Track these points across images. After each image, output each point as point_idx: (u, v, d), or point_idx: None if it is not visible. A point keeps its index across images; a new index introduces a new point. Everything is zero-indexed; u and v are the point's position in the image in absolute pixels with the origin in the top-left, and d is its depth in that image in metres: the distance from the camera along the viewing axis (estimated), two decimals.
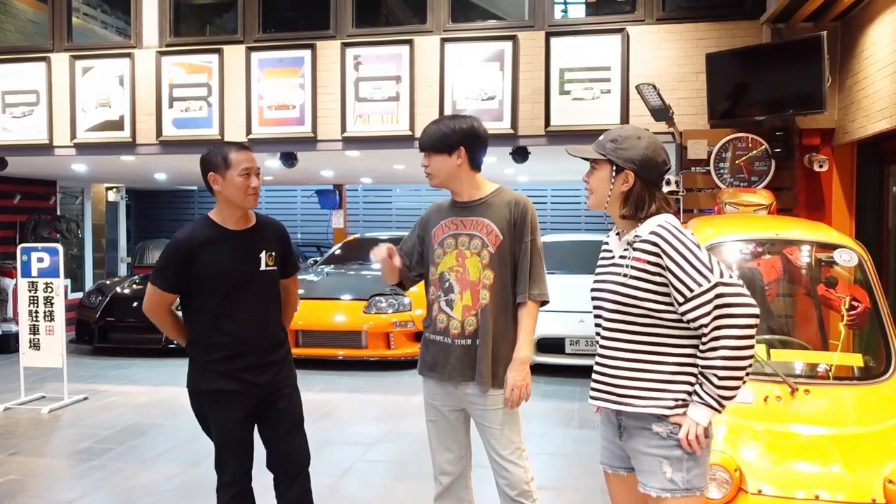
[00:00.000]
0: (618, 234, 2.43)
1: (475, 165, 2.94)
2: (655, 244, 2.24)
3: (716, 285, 2.16)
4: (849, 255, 3.78)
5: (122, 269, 13.82)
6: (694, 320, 2.19)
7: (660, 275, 2.24)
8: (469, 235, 2.91)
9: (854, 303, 3.94)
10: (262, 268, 3.04)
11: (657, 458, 2.28)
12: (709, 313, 2.16)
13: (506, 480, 2.89)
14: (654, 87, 5.78)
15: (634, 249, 2.29)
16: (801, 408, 3.29)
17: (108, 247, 13.35)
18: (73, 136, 7.64)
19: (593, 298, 2.44)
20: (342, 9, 7.12)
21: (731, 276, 2.21)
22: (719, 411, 2.24)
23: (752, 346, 2.19)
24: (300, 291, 8.11)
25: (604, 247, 2.50)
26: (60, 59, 7.68)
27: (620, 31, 6.49)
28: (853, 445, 3.11)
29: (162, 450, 5.20)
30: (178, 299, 3.05)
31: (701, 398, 2.23)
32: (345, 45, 7.04)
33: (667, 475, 2.26)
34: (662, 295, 2.25)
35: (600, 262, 2.47)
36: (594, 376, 2.41)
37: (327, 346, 8.01)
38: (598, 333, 2.43)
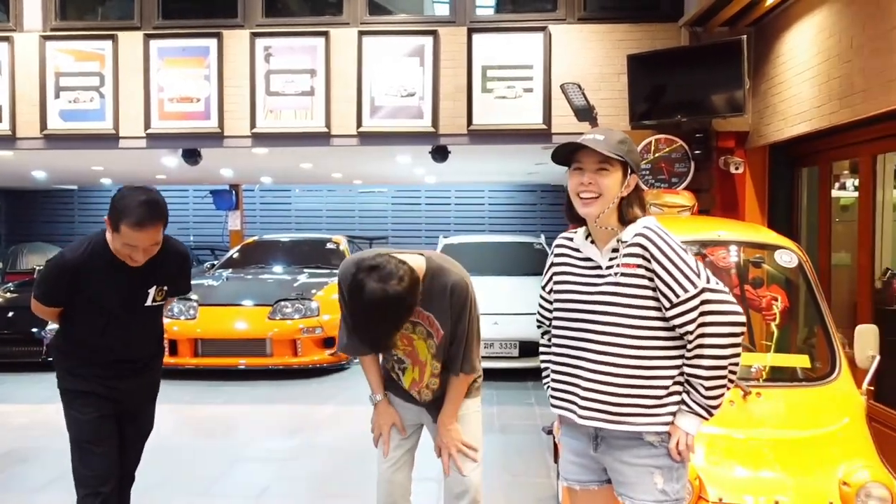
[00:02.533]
0: (591, 240, 2.27)
1: None
2: (643, 247, 2.15)
3: (702, 291, 2.11)
4: (789, 255, 3.79)
5: None
6: (680, 326, 2.12)
7: (650, 279, 2.14)
8: (411, 322, 2.62)
9: (773, 302, 4.00)
10: (148, 303, 2.96)
11: (647, 468, 2.19)
12: (694, 320, 2.10)
13: (460, 487, 2.77)
14: (579, 86, 5.72)
15: (624, 255, 2.17)
16: (755, 411, 3.25)
17: None
18: None
19: (573, 309, 2.27)
20: None
21: (717, 282, 2.16)
22: (707, 419, 2.18)
23: (738, 354, 2.15)
24: (195, 297, 7.72)
25: (566, 250, 2.36)
26: None
27: (542, 29, 6.43)
28: (807, 448, 3.11)
29: (50, 477, 4.67)
30: None
31: (689, 407, 2.17)
32: (254, 34, 6.64)
33: (658, 486, 2.19)
34: (654, 300, 2.15)
35: (572, 269, 2.31)
36: (579, 391, 2.23)
37: (229, 354, 7.56)
38: (572, 345, 2.27)
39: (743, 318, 2.13)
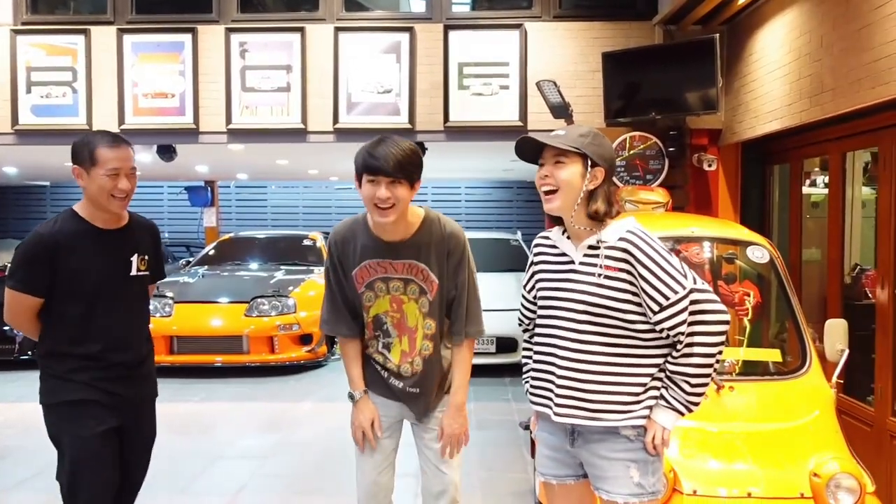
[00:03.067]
0: (566, 236, 2.29)
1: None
2: (627, 251, 2.15)
3: (690, 292, 2.12)
4: (761, 251, 3.85)
5: None
6: (671, 328, 2.13)
7: (632, 283, 2.15)
8: (403, 280, 2.60)
9: (745, 297, 4.06)
10: (133, 272, 2.78)
11: (623, 462, 2.21)
12: (684, 321, 2.12)
13: (439, 487, 2.74)
14: (555, 83, 5.76)
15: (606, 257, 2.17)
16: (728, 405, 3.30)
17: None
18: None
19: (547, 306, 2.29)
20: None
21: (702, 283, 2.17)
22: (685, 415, 2.21)
23: (722, 352, 2.18)
24: (170, 294, 7.66)
25: (543, 248, 2.38)
26: None
27: (518, 26, 6.45)
28: (779, 441, 3.15)
29: (24, 476, 4.62)
30: None
31: (668, 403, 2.19)
32: (229, 30, 6.58)
33: (634, 479, 2.20)
34: (635, 304, 2.16)
35: (548, 267, 2.33)
36: (553, 388, 2.26)
37: (205, 352, 7.53)
38: (546, 342, 2.30)
39: (728, 317, 2.15)
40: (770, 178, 6.22)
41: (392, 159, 2.38)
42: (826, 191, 5.18)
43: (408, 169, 2.42)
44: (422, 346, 2.65)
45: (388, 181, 2.39)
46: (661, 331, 2.14)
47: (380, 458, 2.73)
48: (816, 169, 5.72)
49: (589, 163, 2.17)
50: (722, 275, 4.29)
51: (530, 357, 2.40)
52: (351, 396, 2.75)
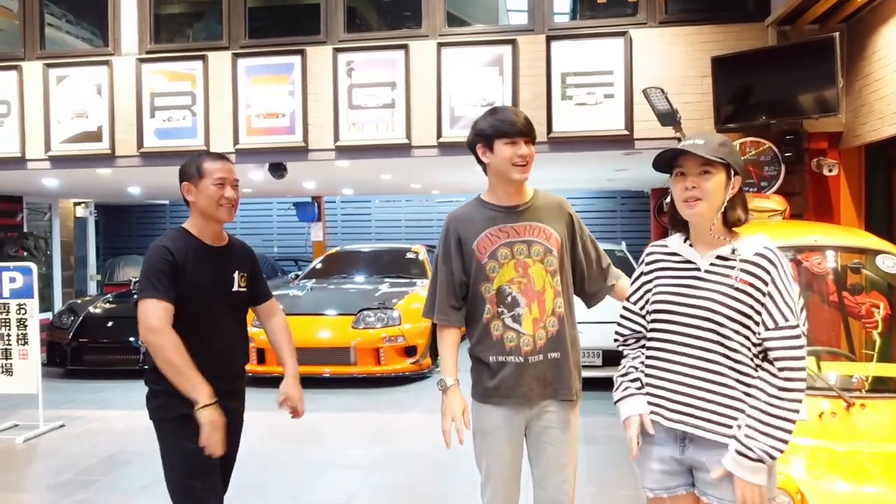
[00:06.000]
0: (688, 244, 2.25)
1: None
2: (766, 269, 2.14)
3: (799, 326, 2.11)
4: (892, 260, 3.61)
5: (92, 288, 13.37)
6: (772, 349, 2.10)
7: (759, 301, 2.13)
8: (526, 242, 2.66)
9: (874, 309, 3.82)
10: (235, 288, 2.90)
11: None
12: (795, 347, 2.08)
13: (557, 500, 2.70)
14: (662, 90, 5.62)
15: (741, 270, 2.15)
16: (859, 423, 3.11)
17: (77, 264, 12.95)
18: (47, 148, 7.27)
19: (666, 311, 2.24)
20: (333, 13, 6.88)
21: (805, 325, 2.19)
22: (770, 462, 2.11)
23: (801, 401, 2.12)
24: (281, 307, 7.85)
25: (661, 256, 2.33)
26: (33, 68, 7.32)
27: (623, 34, 6.35)
28: None
29: (149, 480, 4.85)
30: None
31: (748, 454, 2.08)
32: (336, 50, 6.78)
33: None
34: (754, 322, 2.14)
35: (669, 273, 2.28)
36: (668, 394, 2.22)
37: (313, 363, 7.67)
38: (662, 346, 2.26)
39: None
40: None
41: (521, 121, 2.61)
42: None
43: (532, 129, 2.65)
44: (554, 304, 2.66)
45: (525, 140, 2.60)
46: (762, 350, 2.13)
47: (510, 480, 2.70)
48: None
49: (732, 172, 2.18)
50: (847, 286, 4.06)
51: (635, 367, 2.35)
52: (442, 384, 2.69)
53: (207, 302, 2.77)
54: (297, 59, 6.83)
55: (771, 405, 2.07)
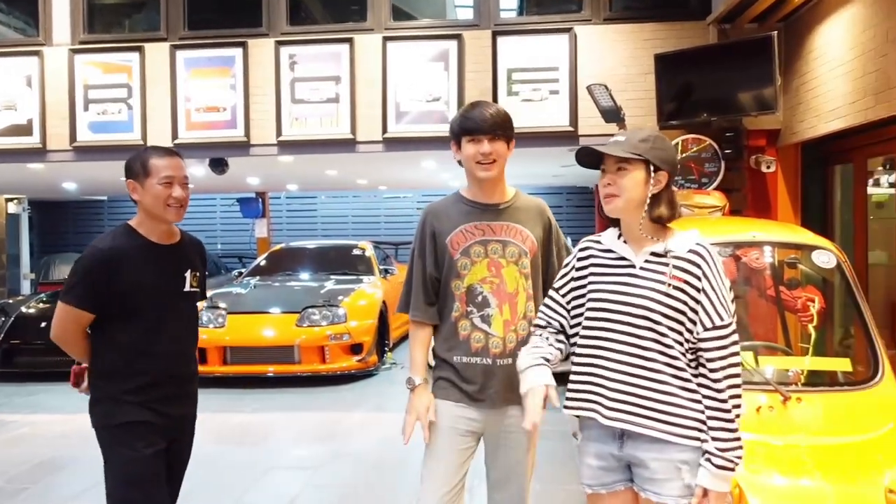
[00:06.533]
0: (622, 240, 2.22)
1: None
2: (699, 266, 2.12)
3: (732, 323, 2.10)
4: (827, 256, 3.68)
5: (26, 287, 12.95)
6: (706, 350, 2.09)
7: (694, 298, 2.11)
8: (501, 242, 2.61)
9: (809, 303, 3.90)
10: (186, 288, 2.76)
11: (674, 463, 2.13)
12: (725, 346, 2.08)
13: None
14: (606, 87, 5.65)
15: (674, 268, 2.13)
16: (796, 417, 3.15)
17: (10, 263, 12.55)
18: None
19: (601, 308, 2.21)
20: (275, 5, 6.74)
21: (734, 317, 2.17)
22: (734, 469, 2.09)
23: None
24: (223, 305, 7.74)
25: (595, 251, 2.29)
26: None
27: (567, 30, 6.37)
28: (851, 455, 3.00)
29: (82, 487, 4.68)
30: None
31: (717, 462, 2.07)
32: (279, 43, 6.66)
33: (684, 481, 2.13)
34: (689, 320, 2.12)
35: (603, 270, 2.24)
36: (604, 391, 2.19)
37: (257, 362, 7.57)
38: (597, 345, 2.22)
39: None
40: (832, 178, 6.00)
41: (489, 118, 2.54)
42: (891, 191, 4.97)
43: (503, 126, 2.56)
44: (526, 308, 2.62)
45: (489, 138, 2.53)
46: (695, 351, 2.12)
47: (453, 483, 2.63)
48: (880, 168, 5.50)
49: (652, 168, 2.13)
50: (784, 280, 4.14)
51: (540, 346, 2.32)
52: (410, 382, 2.64)
53: (153, 303, 2.64)
54: (238, 51, 6.68)
55: (724, 411, 2.07)
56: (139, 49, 6.83)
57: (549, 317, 2.35)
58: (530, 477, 2.74)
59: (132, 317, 2.60)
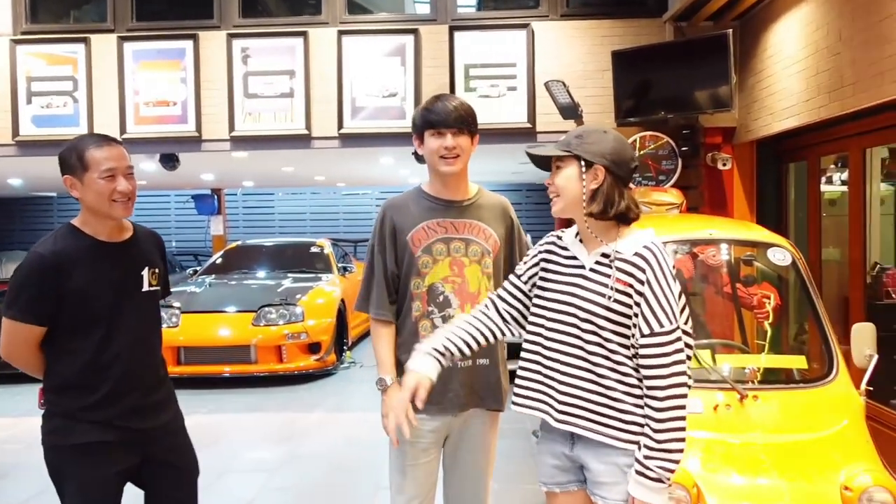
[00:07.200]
0: (579, 239, 2.17)
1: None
2: (642, 269, 2.04)
3: (676, 329, 2.03)
4: (782, 253, 3.70)
5: None
6: (646, 357, 2.02)
7: (637, 303, 2.05)
8: (464, 240, 2.56)
9: (765, 300, 3.93)
10: (145, 288, 2.49)
11: (620, 467, 2.10)
12: (667, 359, 2.00)
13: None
14: (564, 84, 5.63)
15: (618, 270, 2.06)
16: (753, 415, 3.16)
17: None
18: None
19: (550, 308, 2.18)
20: None
21: (687, 322, 2.11)
22: (666, 483, 2.02)
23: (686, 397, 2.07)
24: (177, 304, 7.56)
25: (555, 248, 2.24)
26: None
27: (525, 26, 6.34)
28: (806, 453, 3.02)
29: (31, 493, 4.53)
30: None
31: (647, 473, 2.01)
32: (231, 35, 6.50)
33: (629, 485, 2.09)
34: (632, 325, 2.06)
35: (556, 268, 2.20)
36: (554, 393, 2.15)
37: (212, 362, 7.43)
38: (546, 345, 2.17)
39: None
40: (786, 176, 6.08)
41: (452, 112, 2.48)
42: (843, 188, 5.04)
43: (467, 120, 2.51)
44: None
45: (452, 132, 2.48)
46: (637, 357, 2.05)
47: (424, 492, 2.58)
48: (833, 166, 5.58)
49: (583, 163, 2.06)
50: (740, 277, 4.17)
51: (525, 357, 2.26)
52: (381, 383, 2.55)
53: (107, 308, 2.37)
54: (188, 44, 6.51)
55: (656, 420, 2.01)
56: (85, 40, 6.60)
57: (503, 298, 2.30)
58: (490, 476, 2.72)
59: (85, 325, 2.36)
